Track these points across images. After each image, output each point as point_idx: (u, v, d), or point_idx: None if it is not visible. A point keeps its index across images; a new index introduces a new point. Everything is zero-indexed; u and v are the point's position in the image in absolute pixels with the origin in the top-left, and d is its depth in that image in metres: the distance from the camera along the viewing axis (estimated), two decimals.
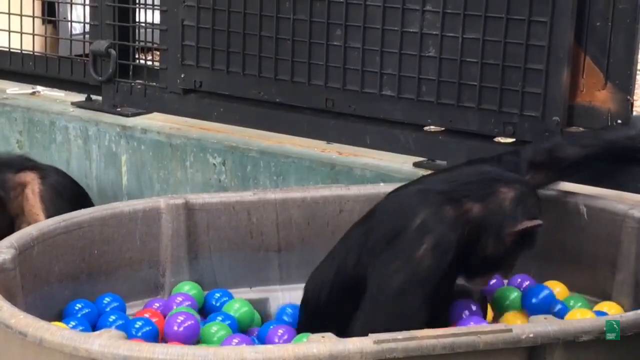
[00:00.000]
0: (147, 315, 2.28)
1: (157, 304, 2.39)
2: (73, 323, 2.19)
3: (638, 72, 2.85)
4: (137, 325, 2.18)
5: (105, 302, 2.34)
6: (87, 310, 2.27)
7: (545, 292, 2.32)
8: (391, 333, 1.78)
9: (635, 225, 2.33)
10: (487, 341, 1.80)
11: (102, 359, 1.74)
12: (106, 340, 1.75)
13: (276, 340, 2.21)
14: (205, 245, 2.50)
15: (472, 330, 1.81)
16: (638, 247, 2.33)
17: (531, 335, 1.82)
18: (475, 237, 2.13)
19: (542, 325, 1.84)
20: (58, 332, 1.79)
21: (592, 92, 2.62)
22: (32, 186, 2.88)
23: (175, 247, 2.46)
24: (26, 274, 2.17)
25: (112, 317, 2.24)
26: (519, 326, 1.85)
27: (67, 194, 2.95)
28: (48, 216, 2.77)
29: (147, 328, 2.18)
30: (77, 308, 2.27)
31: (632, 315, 1.94)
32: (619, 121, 2.58)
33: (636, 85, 2.69)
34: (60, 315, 2.26)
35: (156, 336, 2.19)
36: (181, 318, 2.22)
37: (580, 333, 1.84)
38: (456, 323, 2.19)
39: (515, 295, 2.35)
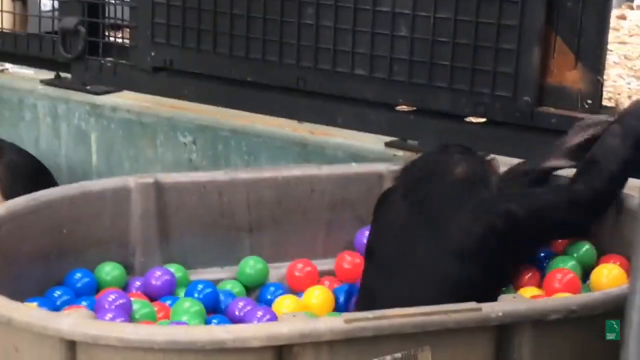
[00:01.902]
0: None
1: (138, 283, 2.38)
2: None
3: (608, 52, 2.86)
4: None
5: (76, 277, 2.32)
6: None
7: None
8: (362, 312, 1.79)
9: None
10: (457, 320, 1.80)
11: (71, 338, 1.73)
12: (75, 319, 1.74)
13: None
14: (176, 225, 2.48)
15: (442, 309, 1.82)
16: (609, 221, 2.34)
17: (500, 314, 1.83)
18: None
19: (511, 304, 1.86)
20: (27, 312, 1.78)
21: (562, 73, 2.63)
22: None
23: (146, 227, 2.45)
24: None
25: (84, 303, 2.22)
26: (488, 305, 1.85)
27: (25, 171, 2.94)
28: (4, 195, 2.75)
29: (121, 301, 2.15)
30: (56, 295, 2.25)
31: (600, 294, 1.95)
32: (589, 101, 2.60)
33: (606, 66, 2.70)
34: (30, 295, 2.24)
35: (128, 309, 2.16)
36: (158, 273, 2.28)
37: (549, 312, 1.85)
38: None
39: (571, 263, 2.29)
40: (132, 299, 2.21)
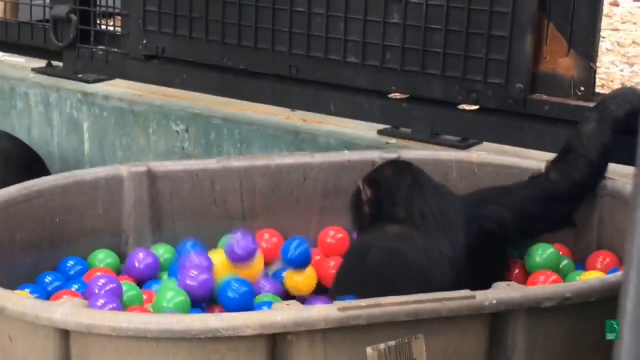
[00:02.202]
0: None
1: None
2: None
3: (601, 39, 2.86)
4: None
5: (68, 265, 2.31)
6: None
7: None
8: (355, 300, 1.79)
9: (597, 192, 2.34)
10: (450, 307, 1.80)
11: (64, 327, 1.73)
12: (69, 308, 1.74)
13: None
14: (169, 214, 2.48)
15: (436, 297, 1.82)
16: (600, 211, 2.34)
17: (494, 301, 1.83)
18: None
19: (505, 292, 1.85)
20: (20, 301, 1.77)
21: (555, 59, 2.63)
22: None
23: (138, 216, 2.44)
24: None
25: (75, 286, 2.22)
26: (482, 292, 1.85)
27: (17, 159, 2.94)
28: None
29: (111, 285, 2.13)
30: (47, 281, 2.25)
31: (595, 281, 1.96)
32: (582, 88, 2.60)
33: (599, 53, 2.70)
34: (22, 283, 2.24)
35: (119, 293, 2.15)
36: (141, 255, 2.29)
37: (543, 299, 1.85)
38: None
39: (550, 251, 2.29)
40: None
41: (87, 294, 2.10)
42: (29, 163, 3.04)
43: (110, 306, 1.99)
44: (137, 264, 2.33)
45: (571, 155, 2.21)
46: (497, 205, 2.15)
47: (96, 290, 2.10)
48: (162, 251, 2.41)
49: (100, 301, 2.01)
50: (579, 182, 2.20)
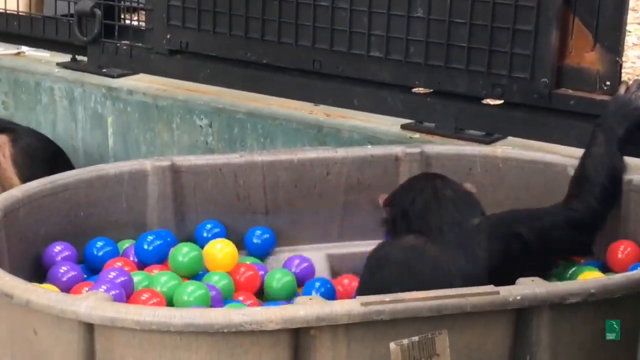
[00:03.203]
0: (119, 265, 2.27)
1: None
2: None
3: (627, 33, 2.83)
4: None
5: (98, 246, 2.32)
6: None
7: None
8: (378, 295, 1.79)
9: (623, 188, 2.33)
10: (474, 303, 1.80)
11: (89, 320, 1.74)
12: (93, 302, 1.74)
13: None
14: (192, 208, 2.49)
15: (459, 292, 1.81)
16: (625, 208, 2.33)
17: (518, 297, 1.82)
18: None
19: (530, 288, 1.84)
20: (45, 295, 1.78)
21: (581, 54, 2.61)
22: (3, 150, 2.88)
23: (162, 210, 2.45)
24: (12, 236, 2.16)
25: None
26: (506, 288, 1.84)
27: (40, 154, 2.96)
28: (21, 178, 2.78)
29: (122, 278, 2.14)
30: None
31: (620, 277, 1.94)
32: (608, 83, 2.58)
33: (625, 47, 2.67)
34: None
35: (130, 285, 2.15)
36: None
37: (568, 295, 1.84)
38: None
39: (573, 269, 2.31)
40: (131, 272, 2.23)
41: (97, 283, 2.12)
42: (54, 158, 3.06)
43: (114, 292, 2.00)
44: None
45: (588, 184, 2.26)
46: (524, 227, 2.15)
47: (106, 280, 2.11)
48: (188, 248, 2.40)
49: (103, 287, 2.02)
50: (599, 211, 2.24)
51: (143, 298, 2.09)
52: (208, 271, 2.34)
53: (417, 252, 2.10)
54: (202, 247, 2.38)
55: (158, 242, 2.34)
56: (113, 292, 2.00)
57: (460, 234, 2.11)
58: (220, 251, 2.36)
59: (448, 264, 2.06)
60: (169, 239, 2.38)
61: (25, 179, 2.84)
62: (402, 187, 2.32)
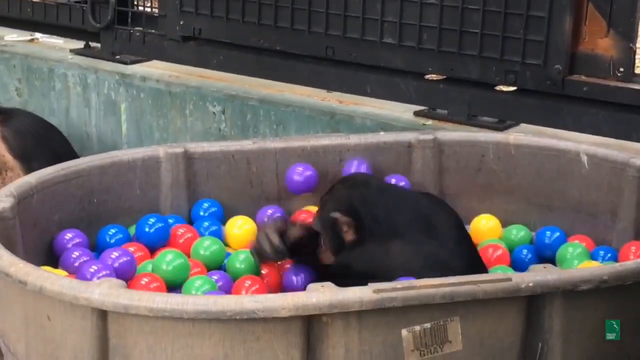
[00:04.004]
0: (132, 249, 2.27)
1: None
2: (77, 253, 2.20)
3: None
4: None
5: (110, 233, 2.32)
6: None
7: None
8: (391, 282, 1.79)
9: (636, 174, 2.33)
10: (486, 290, 1.80)
11: (102, 307, 1.74)
12: (106, 289, 1.75)
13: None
14: (205, 195, 2.49)
15: (472, 279, 1.81)
16: (639, 195, 2.32)
17: (530, 284, 1.82)
18: None
19: (542, 275, 1.84)
20: (58, 281, 1.79)
21: (594, 40, 2.60)
22: None
23: (175, 196, 2.46)
24: (25, 223, 2.16)
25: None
26: (518, 275, 1.84)
27: (31, 130, 2.97)
28: (13, 155, 2.80)
29: (124, 259, 2.14)
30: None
31: (632, 264, 1.93)
32: (621, 69, 2.57)
33: (639, 33, 2.66)
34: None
35: (133, 266, 2.16)
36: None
37: (580, 282, 1.84)
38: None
39: (580, 250, 2.32)
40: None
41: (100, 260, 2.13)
42: (46, 133, 3.06)
43: (104, 272, 2.01)
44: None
45: None
46: None
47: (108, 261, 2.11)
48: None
49: (93, 267, 2.03)
50: None
51: (143, 282, 2.08)
52: (229, 249, 2.36)
53: (389, 251, 2.10)
54: (197, 226, 2.39)
55: (159, 225, 2.33)
56: (118, 263, 2.04)
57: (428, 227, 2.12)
58: (241, 227, 2.39)
59: (428, 256, 2.08)
60: (170, 221, 2.39)
61: (17, 155, 2.87)
62: (350, 197, 2.21)
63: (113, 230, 2.33)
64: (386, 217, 2.14)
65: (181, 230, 2.35)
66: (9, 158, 2.88)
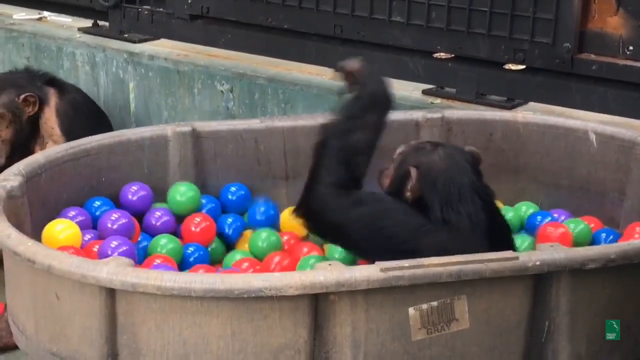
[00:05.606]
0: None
1: None
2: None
3: None
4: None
5: (95, 205, 2.33)
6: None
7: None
8: (398, 261, 1.79)
9: None
10: (493, 269, 1.80)
11: (110, 286, 1.75)
12: (114, 267, 1.76)
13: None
14: (213, 173, 2.50)
15: (479, 257, 1.81)
16: None
17: (538, 263, 1.82)
18: None
19: (549, 253, 1.84)
20: (66, 260, 1.80)
21: (603, 18, 2.59)
22: (49, 101, 2.93)
23: (183, 175, 2.46)
24: (34, 201, 2.17)
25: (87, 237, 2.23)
26: (525, 254, 1.85)
27: (84, 110, 3.00)
28: (63, 130, 2.82)
29: (124, 248, 2.13)
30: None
31: (638, 243, 1.94)
32: (631, 48, 2.56)
33: None
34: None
35: (133, 255, 2.15)
36: (159, 213, 2.35)
37: (587, 261, 1.84)
38: None
39: (581, 227, 2.32)
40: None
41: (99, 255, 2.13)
42: (97, 116, 3.12)
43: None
44: (130, 197, 2.35)
45: None
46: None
47: (109, 252, 2.10)
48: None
49: (87, 236, 2.09)
50: None
51: (155, 264, 2.12)
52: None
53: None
54: (227, 209, 2.44)
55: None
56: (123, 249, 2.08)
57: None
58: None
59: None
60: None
61: (66, 131, 2.89)
62: (435, 162, 2.13)
63: (98, 203, 2.34)
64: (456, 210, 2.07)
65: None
66: (57, 132, 2.90)
